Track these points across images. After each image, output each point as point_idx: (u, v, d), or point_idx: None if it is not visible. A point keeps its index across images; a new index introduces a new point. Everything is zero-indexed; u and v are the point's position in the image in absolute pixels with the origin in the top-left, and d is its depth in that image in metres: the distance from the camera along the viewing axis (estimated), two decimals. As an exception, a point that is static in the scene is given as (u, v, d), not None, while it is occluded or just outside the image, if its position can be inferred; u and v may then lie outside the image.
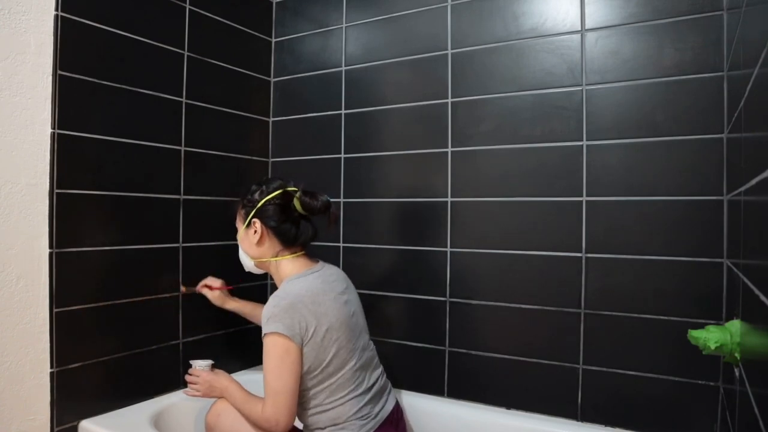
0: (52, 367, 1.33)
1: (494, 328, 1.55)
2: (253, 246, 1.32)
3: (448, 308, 1.62)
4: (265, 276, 1.90)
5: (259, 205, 1.30)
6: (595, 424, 1.40)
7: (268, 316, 1.19)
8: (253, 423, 1.21)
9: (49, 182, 1.32)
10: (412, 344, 1.69)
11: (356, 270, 1.78)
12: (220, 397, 1.30)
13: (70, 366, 1.36)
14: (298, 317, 1.18)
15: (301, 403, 1.26)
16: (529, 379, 1.49)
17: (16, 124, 1.27)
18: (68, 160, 1.36)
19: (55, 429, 1.33)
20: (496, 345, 1.55)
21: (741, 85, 0.90)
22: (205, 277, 1.67)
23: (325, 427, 1.24)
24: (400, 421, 1.37)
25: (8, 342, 1.25)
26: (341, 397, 1.24)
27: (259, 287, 1.92)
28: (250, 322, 1.69)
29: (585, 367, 1.42)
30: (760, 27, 0.69)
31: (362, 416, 1.25)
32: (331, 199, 1.34)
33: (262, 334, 1.20)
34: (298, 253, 1.34)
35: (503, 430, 1.45)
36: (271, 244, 1.32)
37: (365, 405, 1.26)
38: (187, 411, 1.54)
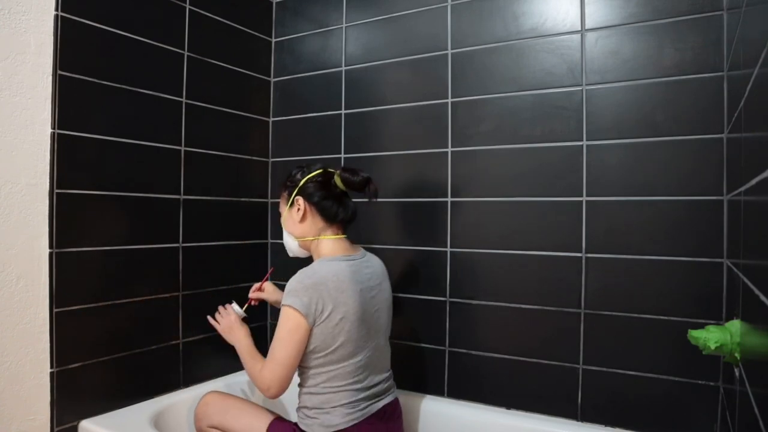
0: (52, 367, 1.33)
1: (494, 328, 1.55)
2: (296, 224, 1.35)
3: (448, 308, 1.62)
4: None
5: (302, 183, 1.34)
6: (595, 424, 1.40)
7: (290, 288, 1.23)
8: (250, 377, 1.28)
9: (49, 182, 1.32)
10: (412, 344, 1.69)
11: (356, 270, 1.78)
12: (231, 343, 1.37)
13: (70, 366, 1.36)
14: (317, 297, 1.21)
15: (301, 379, 1.30)
16: (529, 379, 1.49)
17: (16, 124, 1.27)
18: (68, 160, 1.36)
19: (55, 429, 1.33)
20: (496, 345, 1.55)
21: (741, 85, 0.90)
22: (206, 277, 1.67)
23: (311, 408, 1.27)
24: (391, 417, 1.36)
25: (8, 342, 1.25)
26: (335, 386, 1.25)
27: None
28: (250, 323, 1.69)
29: (585, 367, 1.42)
30: (760, 27, 0.69)
31: (350, 406, 1.25)
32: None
33: (281, 304, 1.24)
34: (340, 236, 1.36)
35: (503, 430, 1.45)
36: (314, 222, 1.34)
37: (357, 400, 1.27)
38: (188, 411, 1.54)
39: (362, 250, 1.40)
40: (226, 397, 1.38)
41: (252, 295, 1.55)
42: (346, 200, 1.36)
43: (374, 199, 1.33)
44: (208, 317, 1.45)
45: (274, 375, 1.21)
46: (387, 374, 1.38)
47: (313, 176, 1.34)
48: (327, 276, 1.24)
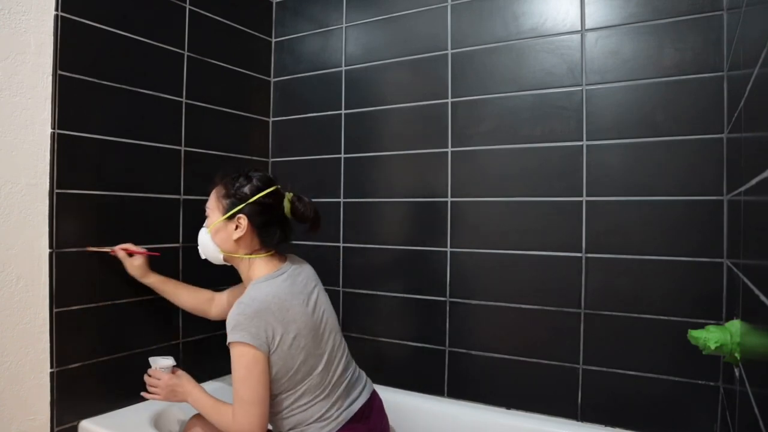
0: (52, 367, 1.33)
1: (494, 328, 1.55)
2: (230, 241, 1.24)
3: (448, 308, 1.62)
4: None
5: (250, 200, 1.23)
6: (595, 424, 1.40)
7: (233, 324, 1.14)
8: (223, 428, 1.16)
9: (49, 182, 1.32)
10: (412, 344, 1.69)
11: (356, 270, 1.78)
12: (182, 401, 1.26)
13: (70, 366, 1.36)
14: (264, 325, 1.14)
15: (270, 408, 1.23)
16: (529, 379, 1.49)
17: (16, 124, 1.27)
18: (68, 160, 1.35)
19: (55, 429, 1.33)
20: (496, 345, 1.55)
21: (741, 85, 0.90)
22: (206, 277, 1.67)
23: (288, 430, 1.23)
24: (371, 416, 1.31)
25: (8, 342, 1.25)
26: (306, 403, 1.21)
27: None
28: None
29: (585, 367, 1.42)
30: (760, 27, 0.69)
31: (324, 419, 1.22)
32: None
33: (227, 342, 1.15)
34: (271, 253, 1.29)
35: (503, 430, 1.45)
36: (250, 243, 1.25)
37: (329, 410, 1.22)
38: (188, 411, 1.54)
39: (289, 257, 1.33)
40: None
41: (117, 249, 1.38)
42: (290, 224, 1.29)
43: (312, 231, 1.28)
44: (143, 394, 1.28)
45: (251, 417, 1.11)
46: (352, 367, 1.33)
47: (264, 195, 1.23)
48: (267, 299, 1.16)
